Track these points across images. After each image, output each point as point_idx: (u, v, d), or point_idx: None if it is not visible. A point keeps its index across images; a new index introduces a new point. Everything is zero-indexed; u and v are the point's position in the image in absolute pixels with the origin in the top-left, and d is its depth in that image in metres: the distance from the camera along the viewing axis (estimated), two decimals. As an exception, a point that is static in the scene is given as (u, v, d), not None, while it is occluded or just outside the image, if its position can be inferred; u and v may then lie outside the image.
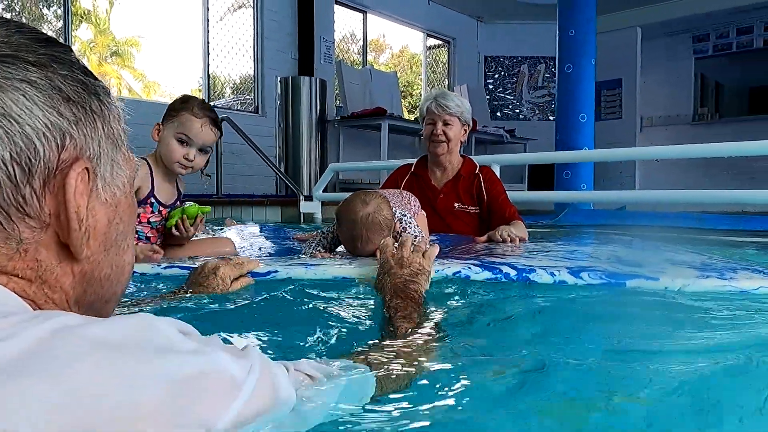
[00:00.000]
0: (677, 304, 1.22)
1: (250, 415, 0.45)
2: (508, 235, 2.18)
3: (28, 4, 8.35)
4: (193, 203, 1.98)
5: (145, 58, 15.32)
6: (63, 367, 0.38)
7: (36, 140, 0.46)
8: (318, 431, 0.53)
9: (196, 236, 2.08)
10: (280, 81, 6.47)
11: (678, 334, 0.98)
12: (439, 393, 0.69)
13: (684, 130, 8.63)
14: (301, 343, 0.97)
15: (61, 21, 6.14)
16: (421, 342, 0.88)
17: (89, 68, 0.54)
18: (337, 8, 7.94)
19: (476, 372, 0.77)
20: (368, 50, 8.96)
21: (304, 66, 7.22)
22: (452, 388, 0.70)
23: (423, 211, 2.27)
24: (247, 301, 1.23)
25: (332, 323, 1.07)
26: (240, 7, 7.14)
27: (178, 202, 2.00)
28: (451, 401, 0.67)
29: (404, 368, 0.73)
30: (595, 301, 1.30)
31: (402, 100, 9.21)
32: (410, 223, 1.97)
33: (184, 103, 1.89)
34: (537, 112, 9.84)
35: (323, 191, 4.84)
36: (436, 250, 1.36)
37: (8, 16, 8.53)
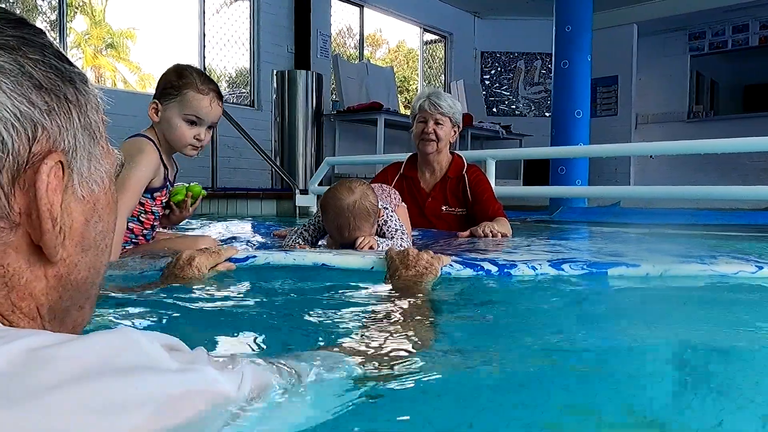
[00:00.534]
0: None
1: (245, 426, 0.43)
2: (490, 231, 2.24)
3: (23, -5, 8.29)
4: (196, 183, 1.96)
5: (141, 51, 15.24)
6: (29, 398, 0.34)
7: (4, 132, 0.42)
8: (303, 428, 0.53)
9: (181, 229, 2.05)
10: (276, 74, 6.45)
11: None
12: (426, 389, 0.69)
13: (679, 128, 8.66)
14: (284, 334, 0.97)
15: (56, 12, 6.10)
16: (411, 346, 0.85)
17: (64, 53, 0.49)
18: (334, 2, 7.91)
19: (476, 377, 0.76)
20: (365, 45, 8.94)
21: (300, 60, 7.20)
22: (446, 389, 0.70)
23: (404, 204, 2.29)
24: (227, 292, 1.21)
25: (313, 313, 1.06)
26: (236, -1, 7.12)
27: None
28: (445, 400, 0.67)
29: (392, 364, 0.72)
30: (581, 292, 1.32)
31: (398, 95, 9.20)
32: (391, 216, 1.98)
33: (182, 77, 1.73)
34: (533, 108, 9.85)
35: (319, 185, 4.85)
36: (449, 260, 1.35)
37: (1, 5, 8.45)
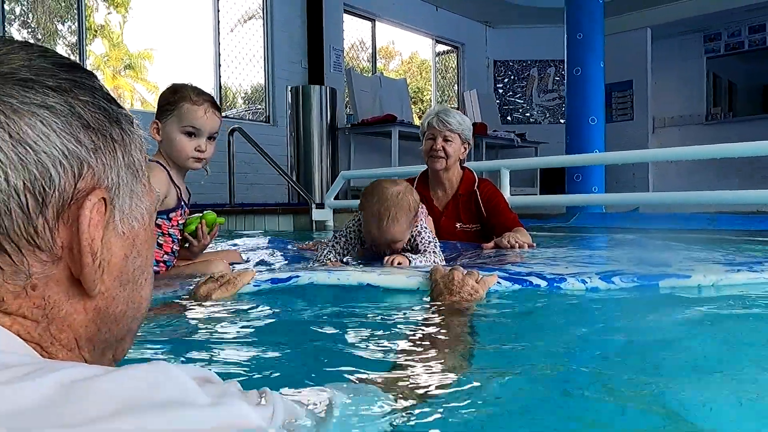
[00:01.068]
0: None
1: None
2: (516, 242, 2.24)
3: (43, 20, 8.52)
4: (210, 210, 1.96)
5: (158, 71, 15.54)
6: (66, 431, 0.34)
7: (52, 168, 0.43)
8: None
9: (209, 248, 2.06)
10: (290, 90, 6.52)
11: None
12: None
13: (697, 130, 8.56)
14: (325, 359, 0.93)
15: (76, 36, 6.25)
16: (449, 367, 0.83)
17: (113, 95, 0.52)
18: (346, 17, 8.00)
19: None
20: (378, 57, 9.01)
21: (314, 75, 7.27)
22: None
23: (430, 217, 2.29)
24: (262, 311, 1.19)
25: (355, 334, 1.03)
26: (250, 18, 7.23)
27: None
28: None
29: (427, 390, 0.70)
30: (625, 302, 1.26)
31: (412, 107, 9.24)
32: (425, 228, 1.97)
33: (176, 93, 1.78)
34: (547, 115, 9.81)
35: (335, 199, 4.87)
36: (494, 280, 1.30)
37: (24, 31, 8.71)
